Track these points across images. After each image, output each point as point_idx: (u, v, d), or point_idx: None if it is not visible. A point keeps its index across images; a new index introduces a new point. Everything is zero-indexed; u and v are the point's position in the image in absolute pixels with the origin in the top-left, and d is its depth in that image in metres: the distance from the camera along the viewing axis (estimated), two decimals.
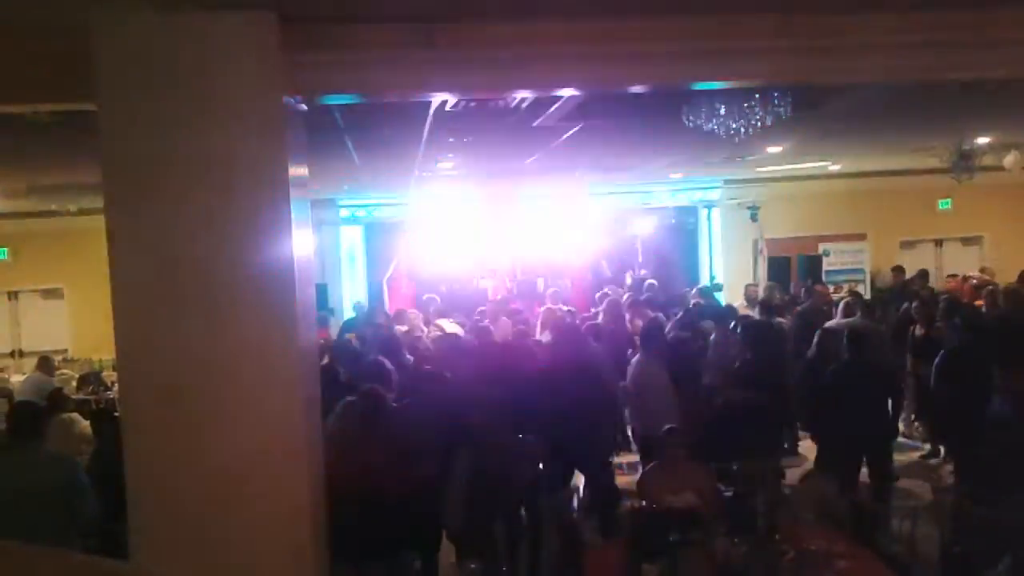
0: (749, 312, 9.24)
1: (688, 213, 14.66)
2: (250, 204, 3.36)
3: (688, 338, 7.34)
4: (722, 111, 5.94)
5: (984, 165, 10.44)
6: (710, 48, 3.83)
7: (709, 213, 14.45)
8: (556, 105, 5.95)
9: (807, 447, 7.29)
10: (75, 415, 6.70)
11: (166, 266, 3.34)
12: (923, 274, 11.17)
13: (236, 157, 3.34)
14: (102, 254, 3.32)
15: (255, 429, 3.37)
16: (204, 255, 3.34)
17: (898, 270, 11.50)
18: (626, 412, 7.01)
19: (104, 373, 9.91)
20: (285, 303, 3.39)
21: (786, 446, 7.78)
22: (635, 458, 7.31)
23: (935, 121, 8.09)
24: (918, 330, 8.03)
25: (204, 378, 3.35)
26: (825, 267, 13.66)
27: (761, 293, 10.34)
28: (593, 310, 10.30)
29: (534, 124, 6.66)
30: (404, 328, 8.94)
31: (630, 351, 7.96)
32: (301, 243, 3.54)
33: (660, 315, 8.61)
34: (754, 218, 13.52)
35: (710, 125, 6.06)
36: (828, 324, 7.89)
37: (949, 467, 7.21)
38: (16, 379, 10.18)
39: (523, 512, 5.39)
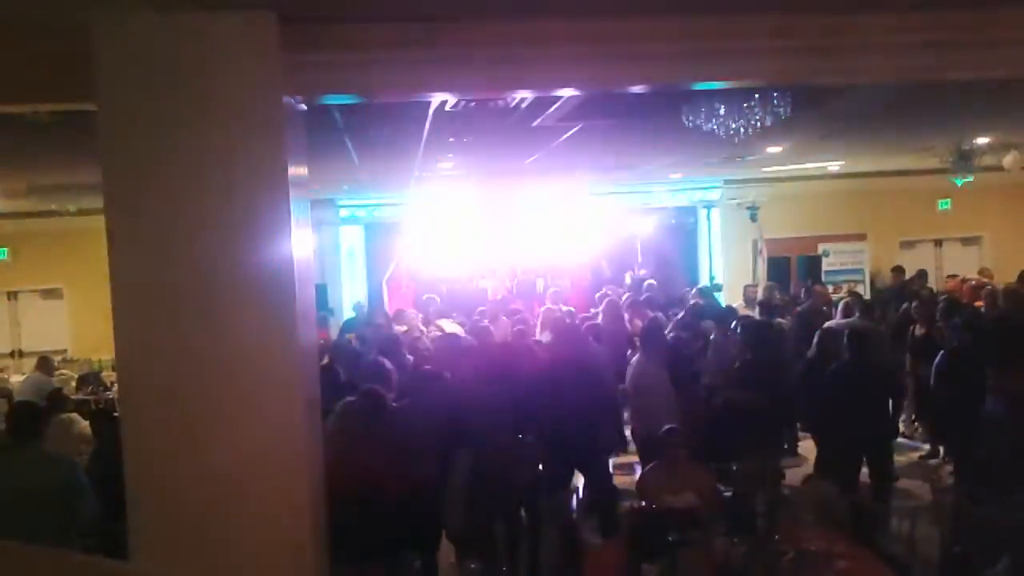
0: (748, 313, 9.23)
1: (688, 213, 14.66)
2: (250, 204, 3.35)
3: (688, 338, 7.34)
4: (722, 111, 5.94)
5: (984, 165, 10.44)
6: (710, 48, 3.83)
7: (709, 213, 14.45)
8: (556, 105, 5.96)
9: (807, 447, 7.29)
10: (74, 415, 6.70)
11: (166, 266, 3.34)
12: (922, 274, 11.17)
13: (236, 157, 3.34)
14: (102, 254, 3.32)
15: (255, 429, 3.37)
16: (204, 255, 3.34)
17: (898, 270, 11.50)
18: (626, 412, 7.01)
19: (103, 373, 9.91)
20: (285, 303, 3.39)
21: (786, 446, 7.79)
22: (635, 458, 7.31)
23: (935, 121, 8.09)
24: (918, 329, 8.03)
25: (204, 378, 3.35)
26: (825, 267, 13.67)
27: (760, 294, 10.34)
28: (592, 310, 10.30)
29: (534, 124, 6.66)
30: (403, 328, 8.95)
31: (629, 351, 7.97)
32: (301, 243, 3.54)
33: (660, 315, 8.61)
34: (754, 218, 13.52)
35: (710, 125, 6.06)
36: (828, 324, 7.89)
37: (949, 467, 7.21)
38: (16, 379, 10.18)
39: (523, 512, 5.39)
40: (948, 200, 13.82)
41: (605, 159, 9.92)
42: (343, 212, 13.57)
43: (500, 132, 6.97)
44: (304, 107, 3.84)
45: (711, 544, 3.99)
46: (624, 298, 10.37)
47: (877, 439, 6.15)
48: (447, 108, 5.73)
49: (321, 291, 11.94)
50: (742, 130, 6.01)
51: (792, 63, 3.95)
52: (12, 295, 13.06)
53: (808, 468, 6.77)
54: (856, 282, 13.56)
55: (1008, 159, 10.24)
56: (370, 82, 3.84)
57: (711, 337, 7.77)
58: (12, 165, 7.89)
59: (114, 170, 3.35)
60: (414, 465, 4.79)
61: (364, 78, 3.79)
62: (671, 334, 7.61)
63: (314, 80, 3.69)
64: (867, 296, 11.81)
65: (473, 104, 5.75)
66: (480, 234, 13.43)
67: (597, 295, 10.99)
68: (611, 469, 6.80)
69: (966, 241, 14.53)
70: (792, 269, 13.44)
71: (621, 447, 7.60)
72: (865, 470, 6.14)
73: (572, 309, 10.37)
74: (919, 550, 4.72)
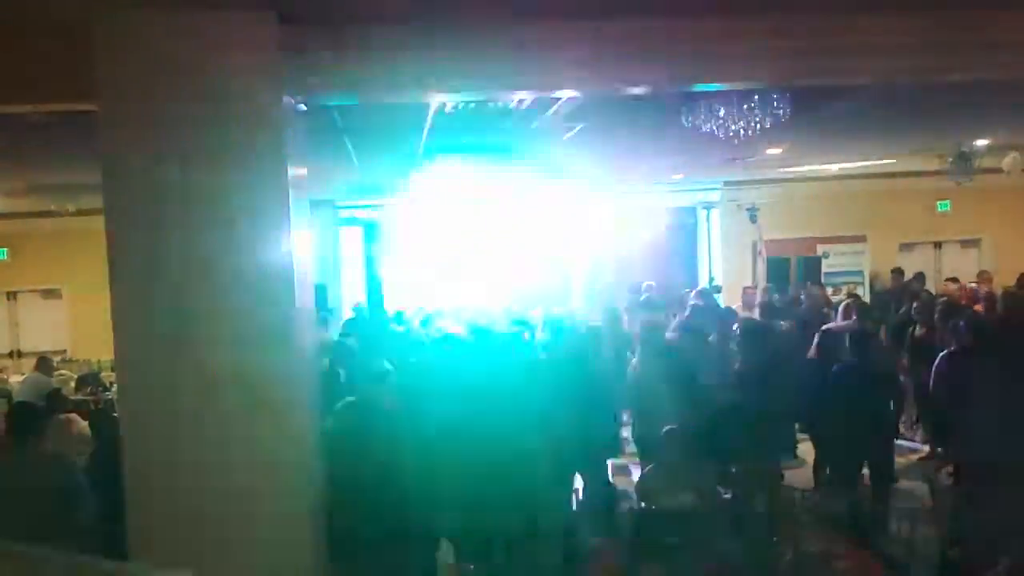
0: (747, 315, 9.23)
1: (687, 214, 14.66)
2: (250, 204, 3.35)
3: (687, 339, 7.33)
4: (721, 112, 5.94)
5: (984, 167, 10.45)
6: (710, 49, 3.83)
7: (708, 214, 14.45)
8: (556, 106, 5.95)
9: (806, 449, 7.28)
10: (74, 415, 6.67)
11: (166, 266, 3.34)
12: (919, 276, 11.17)
13: (236, 157, 3.34)
14: (101, 254, 3.33)
15: (255, 429, 3.37)
16: (204, 255, 3.34)
17: (897, 272, 11.50)
18: (625, 414, 7.01)
19: (103, 374, 9.90)
20: (285, 303, 3.39)
21: (785, 448, 7.77)
22: (632, 459, 7.31)
23: (934, 123, 8.09)
24: (918, 330, 8.03)
25: (203, 378, 3.34)
26: (824, 269, 13.67)
27: (759, 296, 10.34)
28: (592, 311, 10.29)
29: (534, 124, 6.66)
30: (403, 328, 8.94)
31: (628, 352, 7.96)
32: (301, 243, 3.54)
33: (660, 316, 8.60)
34: (753, 219, 13.51)
35: (710, 126, 6.06)
36: (828, 326, 7.89)
37: (948, 469, 7.21)
38: (15, 379, 10.16)
39: (523, 513, 5.38)
40: (948, 202, 13.82)
41: (605, 159, 9.92)
42: (342, 212, 13.57)
43: (500, 132, 6.97)
44: (304, 107, 3.85)
45: (711, 545, 3.99)
46: (623, 299, 10.38)
47: (878, 440, 6.15)
48: (447, 108, 5.73)
49: (321, 291, 11.92)
50: (742, 131, 6.01)
51: (792, 64, 3.96)
52: (11, 295, 13.05)
53: (807, 469, 6.77)
54: (855, 284, 13.56)
55: (1007, 161, 10.24)
56: (370, 82, 3.85)
57: (710, 338, 7.76)
58: (12, 165, 7.89)
59: (114, 170, 3.35)
60: (413, 465, 4.79)
61: (364, 78, 3.79)
62: (671, 335, 7.61)
63: (314, 80, 3.69)
64: (866, 298, 11.80)
65: (473, 104, 5.75)
66: (479, 234, 13.43)
67: (597, 296, 10.99)
68: (609, 470, 6.79)
69: (965, 243, 14.52)
70: (792, 270, 13.44)
71: (621, 448, 7.59)
72: (865, 471, 6.14)
73: (571, 310, 10.37)
74: (918, 551, 4.72)
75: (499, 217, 13.47)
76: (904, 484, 6.98)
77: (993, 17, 3.83)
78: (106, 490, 4.32)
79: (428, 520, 5.14)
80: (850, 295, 11.18)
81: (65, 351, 12.29)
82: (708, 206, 14.35)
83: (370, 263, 13.96)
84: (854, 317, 8.13)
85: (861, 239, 13.95)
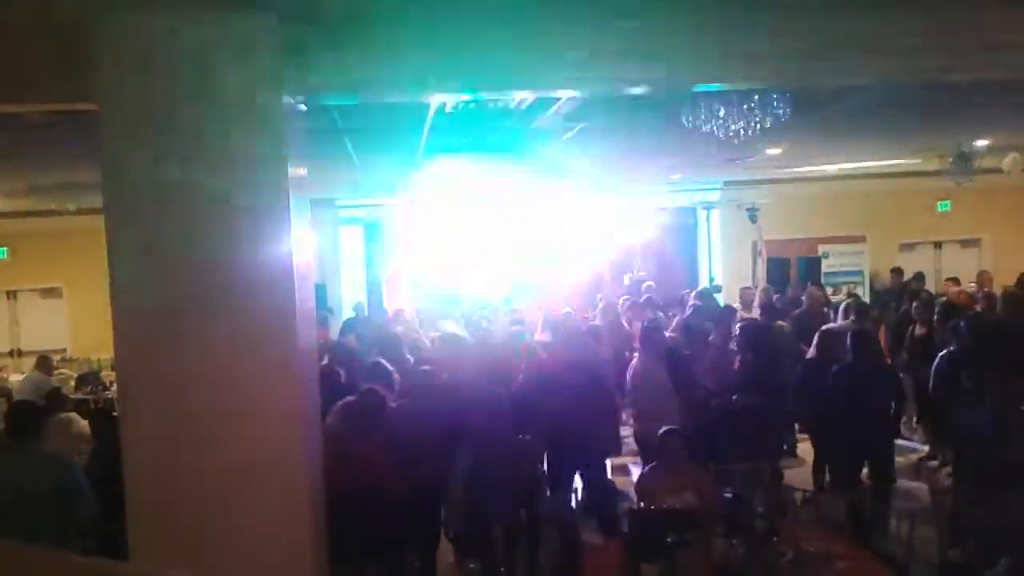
0: (746, 315, 9.24)
1: (687, 214, 14.66)
2: (250, 204, 3.35)
3: (687, 339, 7.34)
4: (721, 112, 5.94)
5: (984, 167, 10.45)
6: (710, 49, 3.83)
7: (708, 214, 14.45)
8: (556, 105, 5.96)
9: (805, 449, 7.29)
10: (73, 415, 6.69)
11: (165, 266, 3.34)
12: (919, 276, 11.17)
13: (236, 157, 3.34)
14: (101, 253, 3.32)
15: (255, 429, 3.37)
16: (204, 255, 3.34)
17: (897, 272, 11.50)
18: (624, 413, 7.01)
19: (103, 373, 9.92)
20: (285, 303, 3.39)
21: (785, 448, 7.78)
22: (631, 459, 7.31)
23: (935, 123, 8.09)
24: (918, 330, 8.03)
25: (203, 378, 3.34)
26: (824, 269, 13.67)
27: (757, 297, 10.34)
28: (591, 312, 10.30)
29: (534, 124, 6.66)
30: (402, 328, 8.94)
31: (627, 353, 7.97)
32: (301, 243, 3.54)
33: (660, 315, 8.60)
34: (753, 219, 13.51)
35: (709, 127, 6.07)
36: (828, 326, 7.89)
37: (948, 469, 7.21)
38: (15, 378, 10.17)
39: (523, 512, 5.39)
40: (948, 202, 13.83)
41: (605, 159, 9.92)
42: (343, 212, 13.57)
43: (500, 132, 6.98)
44: (304, 107, 3.84)
45: (710, 545, 3.99)
46: (623, 299, 10.38)
47: (878, 440, 6.15)
48: (447, 108, 5.74)
49: (321, 291, 11.93)
50: (742, 131, 6.01)
51: (792, 64, 3.96)
52: (11, 294, 13.06)
53: (807, 469, 6.77)
54: (855, 284, 13.57)
55: (1007, 161, 10.24)
56: (370, 82, 3.85)
57: (710, 338, 7.76)
58: (12, 164, 7.89)
59: (114, 170, 3.35)
60: (413, 465, 4.80)
61: (364, 78, 3.79)
62: (671, 335, 7.62)
63: (314, 80, 3.69)
64: (866, 298, 11.80)
65: (473, 104, 5.76)
66: (479, 234, 13.42)
67: (597, 296, 10.99)
68: (609, 470, 6.80)
69: (966, 243, 14.53)
70: (792, 271, 13.44)
71: (621, 448, 7.60)
72: (865, 470, 6.14)
73: (571, 310, 10.37)
74: (918, 551, 4.72)
75: (499, 217, 13.46)
76: (904, 484, 6.99)
77: (993, 17, 3.83)
78: (106, 489, 4.34)
79: (429, 520, 5.15)
80: (850, 295, 11.19)
81: (65, 350, 12.30)
82: (708, 206, 14.36)
83: (370, 263, 13.96)
84: (851, 319, 8.13)
85: (861, 239, 13.96)
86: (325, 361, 6.55)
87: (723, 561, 3.95)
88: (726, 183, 13.77)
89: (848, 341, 6.32)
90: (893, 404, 6.27)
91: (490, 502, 4.85)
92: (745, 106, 5.86)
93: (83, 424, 6.52)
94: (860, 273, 13.82)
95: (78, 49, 3.25)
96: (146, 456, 3.34)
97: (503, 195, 12.88)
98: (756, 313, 9.24)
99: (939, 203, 13.93)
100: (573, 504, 5.90)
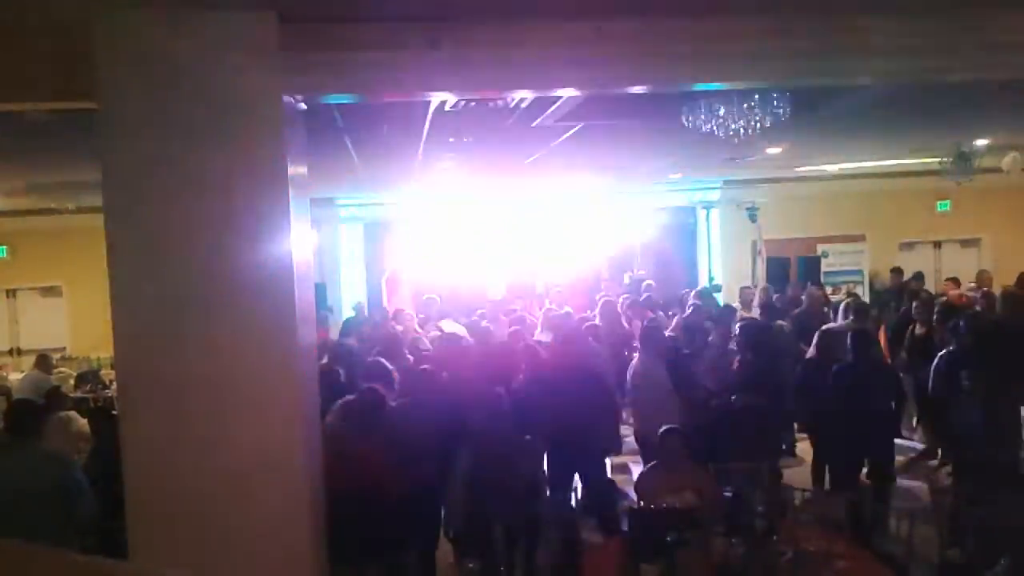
0: (746, 315, 9.24)
1: (687, 214, 14.66)
2: (250, 204, 3.36)
3: (687, 339, 7.34)
4: (721, 112, 5.94)
5: (984, 167, 10.45)
6: (709, 49, 3.83)
7: (708, 214, 14.46)
8: (556, 105, 5.95)
9: (805, 448, 7.29)
10: (73, 413, 6.70)
11: (165, 265, 3.34)
12: (918, 275, 11.18)
13: (236, 157, 3.34)
14: (101, 252, 3.32)
15: (254, 429, 3.37)
16: (204, 254, 3.34)
17: (896, 271, 11.51)
18: (624, 413, 7.02)
19: (102, 371, 9.92)
20: (285, 303, 3.39)
21: (784, 447, 7.79)
22: (631, 458, 7.32)
23: (935, 123, 8.09)
24: (918, 329, 8.04)
25: (203, 378, 3.35)
26: (824, 268, 13.67)
27: (757, 296, 10.34)
28: (591, 312, 10.30)
29: (534, 124, 6.66)
30: (401, 328, 8.94)
31: (626, 352, 7.97)
32: (301, 243, 3.54)
33: (660, 315, 8.60)
34: (753, 219, 13.51)
35: (709, 126, 6.07)
36: (828, 326, 7.90)
37: (947, 468, 7.22)
38: (14, 377, 10.17)
39: (522, 512, 5.39)
40: (947, 202, 13.83)
41: (605, 159, 9.92)
42: (343, 211, 13.57)
43: (500, 132, 6.97)
44: (304, 107, 3.84)
45: (710, 544, 3.99)
46: (622, 299, 10.38)
47: (878, 440, 6.16)
48: (447, 108, 5.73)
49: (321, 291, 11.94)
50: (742, 131, 6.01)
51: (792, 64, 3.96)
52: (11, 293, 13.06)
53: (807, 469, 6.78)
54: (855, 283, 13.57)
55: (1007, 161, 10.24)
56: (370, 82, 3.84)
57: (710, 338, 7.77)
58: (12, 163, 7.89)
59: (114, 169, 3.35)
60: (413, 465, 4.80)
61: (364, 78, 3.79)
62: (671, 335, 7.62)
63: (314, 80, 3.69)
64: (866, 297, 11.80)
65: (473, 104, 5.75)
66: (479, 234, 13.44)
67: (597, 296, 10.99)
68: (608, 469, 6.80)
69: (965, 243, 14.53)
70: (791, 270, 13.45)
71: (621, 447, 7.61)
72: (864, 470, 6.14)
73: (571, 309, 10.38)
74: (918, 551, 4.73)
75: (499, 217, 13.47)
76: (904, 484, 6.99)
77: (993, 17, 3.83)
78: (105, 488, 4.34)
79: (428, 520, 5.16)
80: (849, 294, 11.18)
81: (64, 349, 12.31)
82: (708, 205, 14.36)
83: (370, 262, 13.96)
84: (850, 319, 8.13)
85: (860, 239, 13.96)
86: (325, 361, 6.55)
87: (723, 560, 3.95)
88: (726, 182, 13.77)
89: (848, 341, 6.33)
90: (893, 404, 6.28)
91: (490, 502, 4.85)
92: (745, 106, 5.87)
93: (82, 423, 6.52)
94: (860, 273, 13.82)
95: (78, 49, 3.24)
96: (145, 455, 3.34)
97: (503, 195, 12.91)
98: (756, 313, 9.25)
99: (939, 203, 13.94)
100: (573, 503, 5.90)
